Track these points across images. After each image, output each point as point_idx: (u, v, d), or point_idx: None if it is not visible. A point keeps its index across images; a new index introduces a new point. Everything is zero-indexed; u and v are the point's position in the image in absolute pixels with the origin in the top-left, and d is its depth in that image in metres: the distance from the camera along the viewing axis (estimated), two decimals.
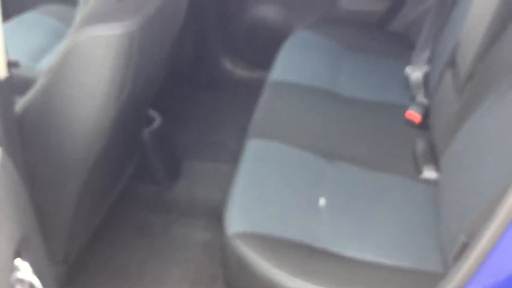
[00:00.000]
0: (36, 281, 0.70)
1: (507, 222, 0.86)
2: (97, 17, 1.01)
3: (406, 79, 1.75)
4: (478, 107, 1.23)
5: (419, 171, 1.43)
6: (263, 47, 2.19)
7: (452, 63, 1.49)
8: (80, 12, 1.07)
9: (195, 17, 2.14)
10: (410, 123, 1.62)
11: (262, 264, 1.12)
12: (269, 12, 2.19)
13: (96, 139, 1.10)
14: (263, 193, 1.30)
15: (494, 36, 1.27)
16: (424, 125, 1.60)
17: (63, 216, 1.23)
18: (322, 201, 1.30)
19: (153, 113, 1.74)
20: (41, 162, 1.13)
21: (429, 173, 1.41)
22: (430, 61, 1.72)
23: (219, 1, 2.21)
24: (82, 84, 1.03)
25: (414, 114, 1.60)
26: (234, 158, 1.48)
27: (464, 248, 0.99)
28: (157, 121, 1.73)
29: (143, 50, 1.06)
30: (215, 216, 1.71)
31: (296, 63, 1.80)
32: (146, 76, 1.21)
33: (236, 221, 1.22)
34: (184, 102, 2.19)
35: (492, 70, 1.24)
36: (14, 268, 0.69)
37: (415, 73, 1.72)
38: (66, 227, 1.22)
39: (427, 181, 1.40)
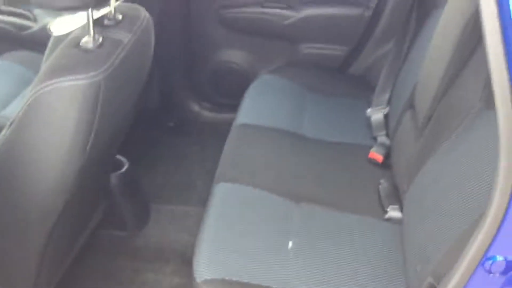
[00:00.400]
0: None
1: (473, 267, 0.88)
2: (62, 68, 1.01)
3: (368, 120, 1.81)
4: (437, 149, 1.28)
5: (384, 210, 1.47)
6: (229, 90, 2.24)
7: (411, 105, 1.56)
8: (45, 63, 1.08)
9: (161, 61, 2.17)
10: (373, 163, 1.66)
11: None
12: (234, 57, 2.25)
13: (61, 191, 1.09)
14: (231, 238, 1.31)
15: (450, 80, 1.33)
16: (387, 165, 1.64)
17: (28, 265, 1.20)
18: (290, 244, 1.32)
19: (120, 158, 1.74)
20: (4, 212, 1.11)
21: (393, 213, 1.45)
22: (390, 102, 1.79)
23: (186, 46, 2.25)
24: (46, 136, 1.03)
25: (376, 155, 1.65)
26: (203, 200, 1.50)
27: None
28: (125, 165, 1.73)
29: (109, 100, 1.06)
30: (184, 260, 1.70)
31: (261, 106, 1.84)
32: (113, 125, 1.22)
33: (205, 268, 1.22)
34: (151, 146, 2.19)
35: (449, 113, 1.30)
36: None
37: (376, 115, 1.78)
38: (31, 275, 1.19)
39: (392, 221, 1.44)
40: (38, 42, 1.71)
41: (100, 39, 1.08)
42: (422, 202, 1.27)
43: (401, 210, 1.44)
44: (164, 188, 2.03)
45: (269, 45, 2.19)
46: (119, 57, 1.08)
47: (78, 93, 0.99)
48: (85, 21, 1.07)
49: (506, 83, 0.79)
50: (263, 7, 2.11)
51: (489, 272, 0.87)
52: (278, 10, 2.11)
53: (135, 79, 1.27)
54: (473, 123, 1.18)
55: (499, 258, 0.86)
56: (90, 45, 1.06)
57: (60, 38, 1.18)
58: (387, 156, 1.67)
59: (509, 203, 0.81)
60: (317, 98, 1.93)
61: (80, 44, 1.07)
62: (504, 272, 0.88)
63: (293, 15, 2.10)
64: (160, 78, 2.22)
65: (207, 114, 2.35)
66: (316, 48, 2.16)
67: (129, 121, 1.45)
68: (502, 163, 0.80)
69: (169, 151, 2.20)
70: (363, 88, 2.00)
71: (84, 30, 1.09)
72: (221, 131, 1.81)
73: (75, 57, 1.04)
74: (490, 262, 0.86)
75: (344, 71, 2.17)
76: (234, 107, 1.90)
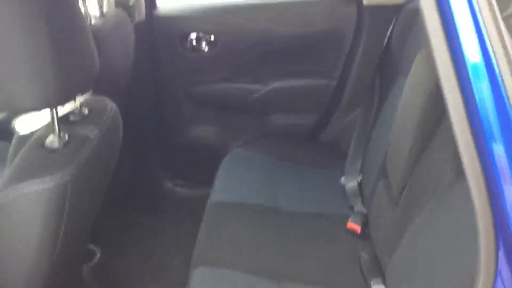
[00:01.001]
0: None
1: None
2: (25, 172, 0.99)
3: (343, 189, 1.80)
4: (413, 221, 1.26)
5: (367, 284, 1.44)
6: (202, 165, 2.22)
7: (383, 174, 1.56)
8: (11, 163, 1.04)
9: (132, 140, 2.15)
10: (352, 233, 1.64)
11: None
12: (205, 132, 2.25)
13: None
14: None
15: (419, 149, 1.33)
16: (367, 234, 1.63)
17: None
18: None
19: (92, 247, 1.68)
20: None
21: (377, 286, 1.42)
22: (363, 170, 1.79)
23: (156, 124, 2.25)
24: (10, 243, 0.98)
25: (354, 225, 1.63)
26: (180, 282, 1.44)
27: None
28: (97, 255, 1.67)
29: (76, 199, 1.03)
30: None
31: (234, 182, 1.83)
32: (82, 220, 1.18)
33: None
34: (124, 227, 2.13)
35: (422, 183, 1.30)
36: None
37: (350, 183, 1.78)
38: None
39: None
40: (5, 130, 1.68)
41: (66, 137, 1.06)
42: (404, 277, 1.25)
43: (384, 283, 1.41)
44: (140, 271, 1.96)
45: (239, 119, 2.21)
46: (86, 154, 1.05)
47: (44, 197, 0.96)
48: (49, 119, 1.05)
49: (475, 160, 0.80)
50: (230, 82, 2.14)
51: None
52: (245, 85, 2.14)
53: (103, 172, 1.25)
54: (445, 194, 1.18)
55: None
56: (56, 144, 1.04)
57: (24, 136, 1.16)
58: (365, 225, 1.65)
59: (494, 283, 0.80)
60: (290, 169, 1.92)
61: (45, 144, 1.05)
62: None
63: (261, 88, 2.13)
64: (132, 158, 2.20)
65: (181, 191, 2.32)
66: (285, 119, 2.19)
67: (99, 210, 1.41)
68: (481, 245, 0.79)
69: (143, 232, 2.14)
70: (335, 156, 2.00)
71: (49, 128, 1.07)
72: (196, 207, 1.78)
73: (40, 158, 1.01)
74: None
75: (315, 139, 2.19)
76: (208, 182, 1.88)
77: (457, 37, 0.74)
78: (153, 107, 2.20)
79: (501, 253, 0.78)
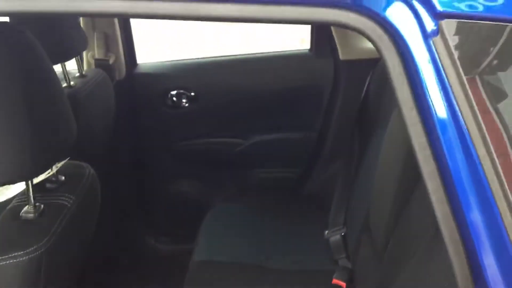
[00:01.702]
0: None
1: None
2: (0, 246, 0.96)
3: (327, 242, 1.78)
4: (399, 276, 1.25)
5: None
6: (185, 220, 2.20)
7: (367, 228, 1.55)
8: None
9: (113, 198, 2.13)
10: None
11: None
12: (188, 187, 2.24)
13: None
14: None
15: (403, 202, 1.33)
16: None
17: None
18: None
19: None
20: None
21: None
22: (346, 223, 1.78)
23: (138, 180, 2.23)
24: None
25: (339, 282, 1.61)
26: None
27: None
28: None
29: (52, 269, 1.00)
30: None
31: (217, 239, 1.80)
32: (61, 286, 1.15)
33: None
34: (105, 286, 2.08)
35: (405, 240, 1.29)
36: None
37: (333, 237, 1.76)
38: None
39: None
40: None
41: (42, 207, 1.05)
42: None
43: None
44: None
45: (221, 173, 2.21)
46: (62, 223, 1.03)
47: (18, 271, 0.94)
48: (24, 187, 1.04)
49: (454, 231, 0.80)
50: (212, 137, 2.15)
51: None
52: (226, 139, 2.14)
53: (82, 238, 1.22)
54: (428, 250, 1.17)
55: None
56: (31, 215, 1.02)
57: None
58: (350, 279, 1.63)
59: None
60: (274, 224, 1.91)
61: (21, 214, 1.03)
62: None
63: (242, 143, 2.14)
64: (113, 216, 2.17)
65: (163, 247, 2.28)
66: (268, 173, 2.19)
67: (78, 273, 1.37)
68: None
69: None
70: (318, 209, 1.99)
71: (24, 197, 1.05)
72: (179, 264, 1.75)
73: (15, 231, 0.99)
74: None
75: (297, 192, 2.18)
76: (191, 237, 1.85)
77: (428, 105, 0.76)
78: (134, 165, 2.19)
79: None
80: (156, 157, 2.20)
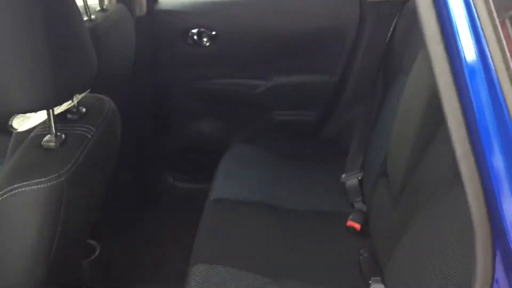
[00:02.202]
0: None
1: None
2: (22, 172, 0.98)
3: (343, 186, 1.79)
4: (413, 220, 1.26)
5: (366, 283, 1.43)
6: (203, 160, 2.22)
7: (384, 173, 1.55)
8: (7, 162, 1.04)
9: (132, 136, 2.15)
10: (352, 231, 1.64)
11: None
12: (206, 127, 2.24)
13: None
14: None
15: (420, 151, 1.32)
16: (366, 232, 1.62)
17: None
18: None
19: (92, 242, 1.68)
20: None
21: (376, 285, 1.41)
22: (363, 167, 1.78)
23: (156, 119, 2.24)
24: (6, 244, 0.98)
25: (354, 223, 1.63)
26: (180, 278, 1.44)
27: None
28: (97, 251, 1.67)
29: (74, 198, 1.03)
30: None
31: (235, 178, 1.82)
32: (81, 219, 1.18)
33: None
34: (125, 222, 2.14)
35: (422, 184, 1.29)
36: None
37: (350, 181, 1.77)
38: None
39: None
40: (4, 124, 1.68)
41: (63, 136, 1.06)
42: (403, 277, 1.24)
43: (384, 281, 1.40)
44: (140, 267, 1.97)
45: (240, 115, 2.20)
46: (83, 153, 1.05)
47: (40, 197, 0.96)
48: (46, 117, 1.05)
49: (473, 169, 0.79)
50: (232, 77, 2.13)
51: None
52: (248, 80, 2.12)
53: (102, 171, 1.24)
54: (446, 195, 1.17)
55: None
56: (52, 144, 1.04)
57: (23, 132, 1.15)
58: (365, 223, 1.65)
59: None
60: (291, 166, 1.92)
61: (42, 143, 1.04)
62: None
63: (263, 84, 2.12)
64: (132, 154, 2.20)
65: (182, 186, 2.31)
66: (286, 115, 2.17)
67: (98, 208, 1.40)
68: (478, 250, 0.78)
69: (144, 228, 2.15)
70: (336, 153, 1.99)
71: (46, 126, 1.06)
72: (196, 202, 1.78)
73: (37, 158, 1.01)
74: None
75: (316, 135, 2.17)
76: (208, 178, 1.88)
77: (456, 43, 0.73)
78: (154, 103, 2.19)
79: (498, 262, 0.78)
80: (176, 96, 2.19)
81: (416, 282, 1.16)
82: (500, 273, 0.78)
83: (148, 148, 2.26)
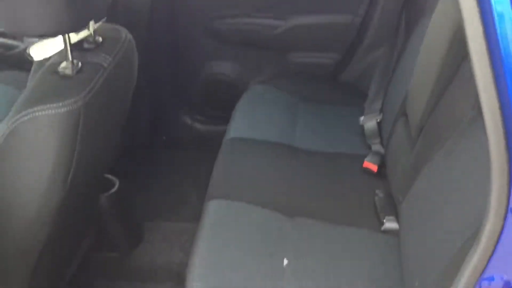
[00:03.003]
0: None
1: (471, 287, 0.85)
2: (40, 97, 0.99)
3: (361, 128, 1.78)
4: (430, 159, 1.25)
5: (380, 222, 1.44)
6: (221, 101, 2.22)
7: (403, 113, 1.53)
8: (23, 92, 1.05)
9: (151, 76, 2.15)
10: (368, 172, 1.64)
11: None
12: (224, 68, 2.22)
13: (44, 222, 1.06)
14: (224, 257, 1.28)
15: (441, 89, 1.30)
16: (383, 174, 1.62)
17: None
18: (285, 262, 1.29)
19: (110, 177, 1.71)
20: None
21: (390, 224, 1.42)
22: (383, 110, 1.76)
23: (175, 59, 2.22)
24: (24, 169, 1.00)
25: (371, 164, 1.62)
26: (197, 216, 1.46)
27: None
28: (115, 185, 1.69)
29: (90, 126, 1.04)
30: (179, 279, 1.67)
31: (252, 118, 1.81)
32: (97, 150, 1.19)
33: (198, 286, 1.19)
34: (143, 162, 2.16)
35: (442, 122, 1.27)
36: None
37: (369, 123, 1.75)
38: None
39: (389, 232, 1.41)
40: (26, 60, 1.68)
41: (79, 64, 1.06)
42: (418, 215, 1.24)
43: (398, 221, 1.41)
44: (157, 205, 2.00)
45: (259, 55, 2.17)
46: (99, 81, 1.05)
47: (57, 122, 0.97)
48: (63, 46, 1.05)
49: (494, 98, 0.77)
50: (251, 17, 2.09)
51: None
52: (267, 20, 2.08)
53: (118, 102, 1.24)
54: (465, 132, 1.15)
55: (496, 278, 0.83)
56: (69, 71, 1.04)
57: (42, 62, 1.15)
58: (382, 165, 1.64)
59: (504, 222, 0.78)
60: (309, 108, 1.90)
61: (59, 70, 1.04)
62: None
63: (282, 25, 2.07)
64: (150, 93, 2.20)
65: (200, 127, 2.32)
66: (306, 57, 2.14)
67: (116, 142, 1.42)
68: (494, 180, 0.77)
69: (162, 167, 2.17)
70: (355, 95, 1.97)
71: (62, 55, 1.06)
72: (214, 144, 1.78)
73: (53, 84, 1.01)
74: (487, 282, 0.83)
75: (335, 78, 2.14)
76: (226, 119, 1.87)
77: None
78: (172, 42, 2.17)
79: None
80: (194, 35, 2.16)
81: (431, 219, 1.17)
82: None
83: (166, 89, 2.25)
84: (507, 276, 0.83)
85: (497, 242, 0.78)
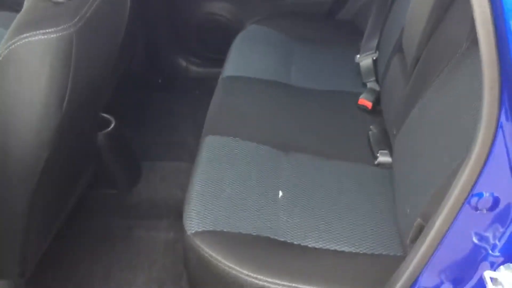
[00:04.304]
0: None
1: (460, 204, 0.86)
2: (31, 23, 0.98)
3: (357, 67, 1.77)
4: (425, 90, 1.25)
5: (374, 156, 1.46)
6: (216, 43, 2.19)
7: (399, 49, 1.52)
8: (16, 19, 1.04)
9: (145, 18, 2.12)
10: (363, 109, 1.64)
11: (223, 262, 1.12)
12: (219, 9, 2.19)
13: (39, 150, 1.06)
14: (220, 191, 1.30)
15: (436, 20, 1.29)
16: (377, 111, 1.63)
17: (14, 228, 1.19)
18: (280, 194, 1.31)
19: (107, 116, 1.71)
20: None
21: (383, 158, 1.44)
22: (379, 48, 1.75)
23: (168, 1, 2.19)
24: (18, 94, 1.00)
25: (366, 101, 1.63)
26: (194, 156, 1.47)
27: (421, 231, 1.01)
28: (112, 124, 1.70)
29: (83, 53, 1.03)
30: (178, 215, 1.69)
31: (247, 57, 1.80)
32: (91, 80, 1.19)
33: (195, 221, 1.21)
34: (140, 104, 2.16)
35: (437, 53, 1.27)
36: None
37: (365, 61, 1.75)
38: (18, 239, 1.19)
39: (383, 166, 1.43)
40: (17, 2, 1.66)
41: None
42: (411, 146, 1.26)
43: (391, 155, 1.43)
44: (155, 145, 2.02)
45: None
46: (91, 8, 1.04)
47: (49, 47, 0.96)
48: None
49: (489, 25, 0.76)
50: None
51: (476, 209, 0.86)
52: None
53: (112, 32, 1.23)
54: (460, 62, 1.15)
55: (486, 194, 0.84)
56: None
57: None
58: (377, 102, 1.65)
59: (494, 138, 0.79)
60: (305, 47, 1.89)
61: None
62: (491, 208, 0.86)
63: None
64: (145, 35, 2.17)
65: (195, 69, 2.31)
66: None
67: (112, 76, 1.41)
68: (486, 97, 0.77)
69: (159, 108, 2.17)
70: (351, 34, 1.95)
71: None
72: (210, 86, 1.78)
73: (45, 10, 1.00)
74: (476, 198, 0.84)
75: (331, 17, 2.12)
76: (222, 61, 1.86)
77: None
78: None
79: (503, 113, 0.77)
80: None
81: (424, 148, 1.18)
82: (506, 119, 0.78)
83: (161, 31, 2.23)
84: (497, 193, 0.84)
85: (487, 157, 0.80)
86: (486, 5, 0.77)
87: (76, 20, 0.99)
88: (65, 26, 0.97)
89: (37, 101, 1.00)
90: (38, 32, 0.96)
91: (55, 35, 0.96)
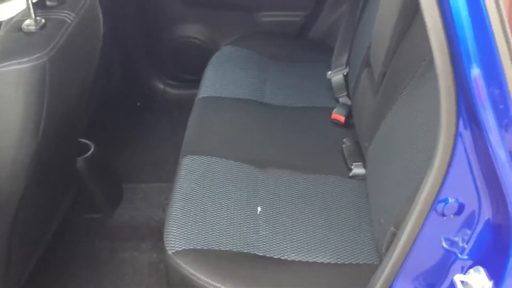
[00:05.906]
0: None
1: (426, 211, 0.90)
2: (3, 53, 1.01)
3: (329, 82, 1.82)
4: (393, 103, 1.30)
5: (348, 168, 1.50)
6: (191, 65, 2.23)
7: (367, 64, 1.58)
8: None
9: (121, 41, 2.15)
10: (336, 123, 1.69)
11: (205, 280, 1.15)
12: (193, 32, 2.24)
13: (16, 178, 1.08)
14: (200, 209, 1.33)
15: (400, 34, 1.34)
16: (350, 124, 1.67)
17: None
18: (258, 210, 1.34)
19: (86, 141, 1.73)
20: None
21: (357, 170, 1.48)
22: (349, 63, 1.80)
23: (143, 24, 2.23)
24: None
25: (338, 116, 1.68)
26: (173, 176, 1.50)
27: (393, 238, 1.04)
28: (91, 149, 1.72)
29: (57, 81, 1.06)
30: (160, 236, 1.71)
31: (222, 78, 1.84)
32: (67, 106, 1.21)
33: (175, 240, 1.23)
34: (120, 127, 2.19)
35: (402, 67, 1.32)
36: None
37: (336, 76, 1.80)
38: (0, 261, 1.19)
39: (358, 177, 1.47)
40: None
41: (43, 21, 1.07)
42: (382, 158, 1.30)
43: (365, 167, 1.47)
44: (135, 167, 2.04)
45: (227, 17, 2.18)
46: (63, 37, 1.07)
47: (23, 76, 0.99)
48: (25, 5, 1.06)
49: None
50: None
51: (443, 214, 0.90)
52: None
53: (85, 58, 1.26)
54: (424, 74, 1.20)
55: (451, 200, 0.88)
56: (32, 27, 1.05)
57: (8, 22, 1.16)
58: (349, 116, 1.70)
59: (454, 146, 0.83)
60: (278, 66, 1.93)
61: (22, 27, 1.06)
62: (457, 213, 0.90)
63: None
64: (122, 60, 2.20)
65: (173, 91, 2.34)
66: (273, 16, 2.16)
67: (89, 101, 1.43)
68: (443, 105, 0.82)
69: (138, 130, 2.20)
70: (323, 52, 2.00)
71: (25, 13, 1.08)
72: (188, 107, 1.81)
73: (18, 40, 1.03)
74: (442, 204, 0.88)
75: (303, 36, 2.18)
76: (198, 82, 1.90)
77: None
78: (140, 7, 2.17)
79: (461, 119, 0.82)
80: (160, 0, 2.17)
81: (394, 159, 1.22)
82: (464, 128, 0.83)
83: (136, 55, 2.26)
84: (462, 198, 0.88)
85: (449, 164, 0.84)
86: (437, 16, 0.81)
87: (49, 49, 1.02)
88: (38, 55, 1.00)
89: (12, 130, 1.03)
90: (11, 62, 0.98)
91: (28, 65, 0.99)
